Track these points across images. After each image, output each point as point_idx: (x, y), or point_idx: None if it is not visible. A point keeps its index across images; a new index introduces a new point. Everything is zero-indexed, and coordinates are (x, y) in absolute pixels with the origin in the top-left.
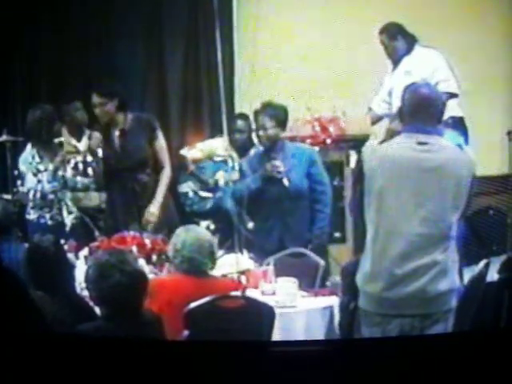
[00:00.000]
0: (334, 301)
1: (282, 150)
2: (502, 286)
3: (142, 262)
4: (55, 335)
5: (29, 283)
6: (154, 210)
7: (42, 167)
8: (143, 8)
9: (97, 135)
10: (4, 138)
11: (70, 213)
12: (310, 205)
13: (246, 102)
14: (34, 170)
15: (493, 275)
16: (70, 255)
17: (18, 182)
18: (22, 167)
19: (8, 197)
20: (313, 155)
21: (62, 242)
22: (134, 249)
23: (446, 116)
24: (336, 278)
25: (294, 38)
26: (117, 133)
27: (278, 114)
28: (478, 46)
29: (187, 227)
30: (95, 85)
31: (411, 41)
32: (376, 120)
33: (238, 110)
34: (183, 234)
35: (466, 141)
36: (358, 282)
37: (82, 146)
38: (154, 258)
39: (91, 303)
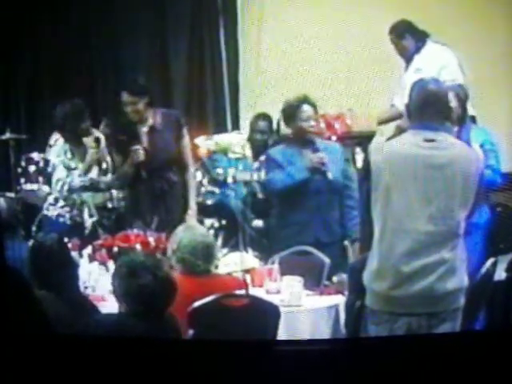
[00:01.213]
0: (340, 299)
1: (314, 143)
2: (510, 284)
3: None
4: (57, 335)
5: (32, 282)
6: (193, 222)
7: (72, 164)
8: (146, 4)
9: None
10: (7, 135)
11: (91, 216)
12: (341, 201)
13: (251, 99)
14: (66, 165)
15: (500, 274)
16: (74, 254)
17: (22, 180)
18: (55, 160)
19: (11, 195)
20: (345, 152)
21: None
22: (138, 247)
23: None
24: (342, 275)
25: (299, 35)
26: (145, 129)
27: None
28: (486, 43)
29: (187, 226)
30: (125, 83)
31: (421, 38)
32: (398, 117)
33: (242, 107)
34: (180, 234)
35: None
36: (364, 279)
37: None
38: (158, 256)
39: (95, 302)
